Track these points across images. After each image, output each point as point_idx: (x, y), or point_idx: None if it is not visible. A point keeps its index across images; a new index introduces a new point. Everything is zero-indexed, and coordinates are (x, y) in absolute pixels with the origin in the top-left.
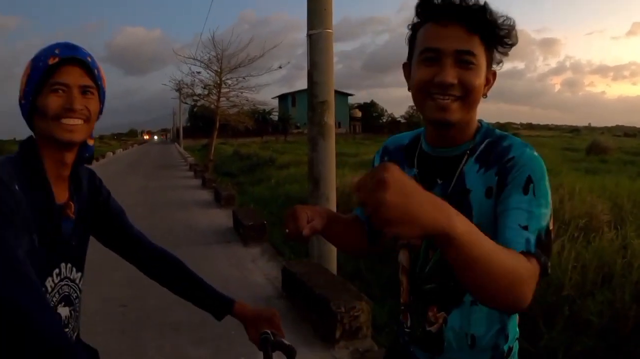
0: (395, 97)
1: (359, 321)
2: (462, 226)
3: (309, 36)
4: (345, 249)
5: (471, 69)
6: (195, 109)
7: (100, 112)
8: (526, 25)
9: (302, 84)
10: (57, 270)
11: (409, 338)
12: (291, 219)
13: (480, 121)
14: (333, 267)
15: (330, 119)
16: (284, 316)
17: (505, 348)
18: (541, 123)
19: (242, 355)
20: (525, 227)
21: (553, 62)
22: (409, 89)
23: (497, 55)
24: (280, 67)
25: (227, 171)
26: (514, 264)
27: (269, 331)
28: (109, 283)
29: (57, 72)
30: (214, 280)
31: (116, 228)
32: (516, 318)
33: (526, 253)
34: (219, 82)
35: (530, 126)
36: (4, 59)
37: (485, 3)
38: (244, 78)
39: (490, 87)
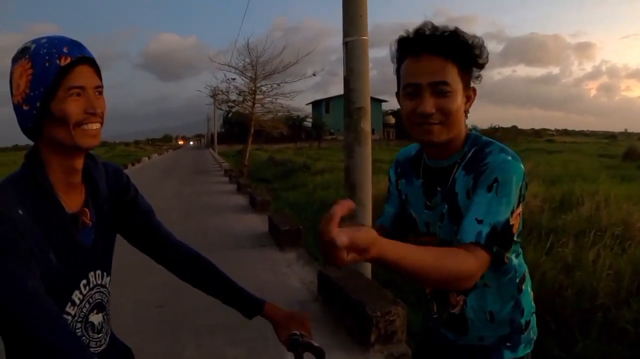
0: None
1: (394, 325)
2: (383, 254)
3: (345, 43)
4: None
5: (448, 96)
6: (229, 115)
7: None
8: (561, 29)
9: (335, 90)
10: (84, 281)
11: (438, 322)
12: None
13: (471, 130)
14: (368, 273)
15: (367, 125)
16: (319, 319)
17: (522, 321)
18: (577, 129)
19: (276, 356)
20: (480, 221)
21: (588, 67)
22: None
23: (475, 72)
24: (314, 75)
25: (261, 176)
26: (449, 265)
27: (298, 333)
28: (144, 286)
29: (70, 74)
30: (250, 284)
31: (144, 227)
32: (530, 294)
33: (475, 244)
34: (253, 88)
35: (565, 132)
36: None
37: (455, 29)
38: (278, 85)
39: (472, 102)
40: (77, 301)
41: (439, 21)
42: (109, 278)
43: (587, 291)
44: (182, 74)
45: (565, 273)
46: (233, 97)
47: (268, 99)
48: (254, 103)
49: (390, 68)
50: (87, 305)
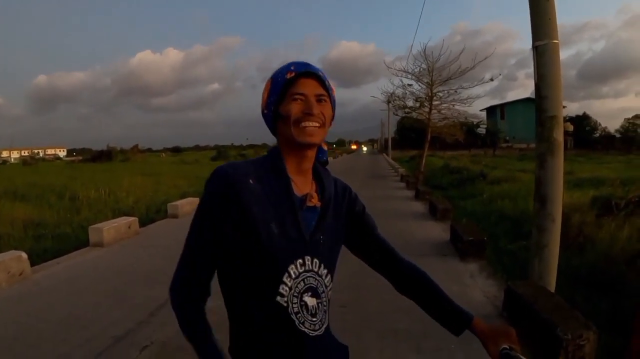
0: (611, 109)
1: (583, 351)
2: None
3: (535, 48)
4: None
5: None
6: (403, 121)
7: (332, 118)
8: None
9: (513, 95)
10: (300, 261)
11: None
12: None
13: None
14: (551, 290)
15: (560, 135)
16: None
17: None
18: None
19: None
20: None
21: None
22: None
23: None
24: (492, 80)
25: (436, 183)
26: None
27: (509, 346)
28: None
29: (295, 84)
30: None
31: (370, 239)
32: None
33: None
34: (430, 94)
35: None
36: (227, 74)
37: None
38: (455, 90)
39: None
40: (293, 275)
41: (625, 19)
42: (326, 271)
43: None
44: (359, 80)
45: None
46: (409, 103)
47: (444, 105)
48: (430, 109)
49: (572, 71)
50: (301, 283)
